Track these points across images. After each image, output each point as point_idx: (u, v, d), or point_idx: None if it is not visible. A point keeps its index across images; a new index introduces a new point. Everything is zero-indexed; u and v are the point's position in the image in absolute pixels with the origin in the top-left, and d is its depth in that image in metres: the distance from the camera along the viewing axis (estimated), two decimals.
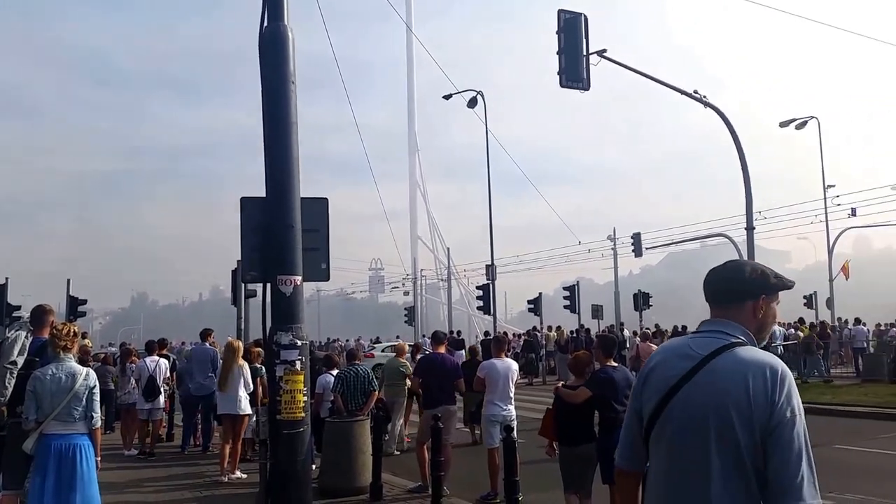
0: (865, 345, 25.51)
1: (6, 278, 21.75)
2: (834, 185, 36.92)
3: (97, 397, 6.35)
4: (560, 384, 7.70)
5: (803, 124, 34.70)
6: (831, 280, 35.17)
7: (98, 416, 6.36)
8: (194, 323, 18.85)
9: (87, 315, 25.49)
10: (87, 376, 6.26)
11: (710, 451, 2.20)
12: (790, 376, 2.24)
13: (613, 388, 6.88)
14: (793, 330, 27.24)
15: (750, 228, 20.16)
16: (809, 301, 35.07)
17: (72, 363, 6.27)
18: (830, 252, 36.00)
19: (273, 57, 6.28)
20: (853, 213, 37.36)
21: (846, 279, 36.77)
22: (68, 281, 22.88)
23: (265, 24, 6.31)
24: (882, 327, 30.61)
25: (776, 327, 23.15)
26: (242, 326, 14.04)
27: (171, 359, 14.93)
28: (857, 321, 27.79)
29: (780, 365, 2.24)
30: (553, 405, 7.38)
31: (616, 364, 7.35)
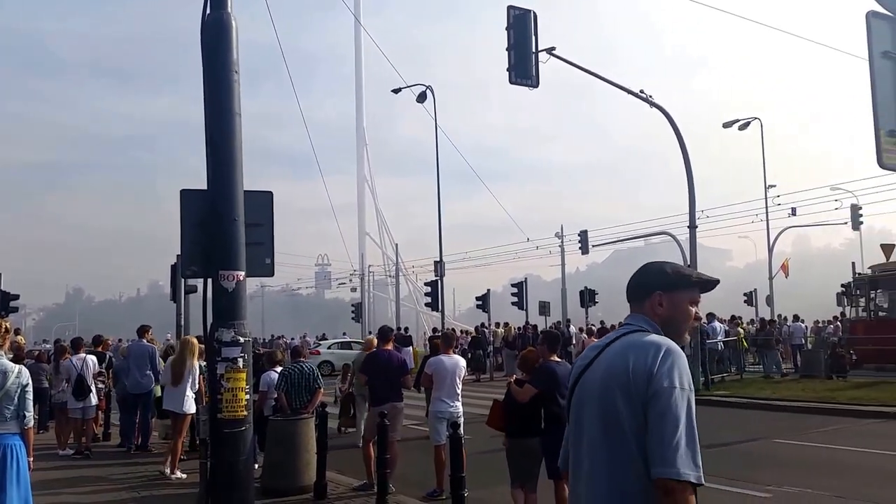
0: (803, 341, 26.28)
1: None
2: (775, 185, 37.92)
3: (30, 396, 6.13)
4: (513, 378, 7.73)
5: (746, 125, 35.55)
6: (771, 278, 36.13)
7: (31, 415, 6.14)
8: (132, 319, 18.38)
9: (19, 311, 24.68)
10: (19, 374, 6.04)
11: (597, 425, 2.35)
12: (677, 354, 2.30)
13: (556, 382, 6.93)
14: (732, 327, 27.96)
15: (692, 227, 20.60)
16: (750, 298, 35.96)
17: (3, 360, 6.04)
18: (770, 250, 36.97)
19: (216, 46, 6.13)
20: (793, 212, 38.41)
21: (785, 277, 37.81)
22: None
23: (208, 11, 6.16)
24: (820, 324, 31.58)
25: (716, 323, 23.72)
26: (182, 323, 13.75)
27: (107, 356, 14.56)
28: (796, 318, 28.64)
29: (668, 343, 2.33)
30: (505, 397, 7.43)
31: (560, 359, 7.42)
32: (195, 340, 11.14)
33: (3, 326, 6.22)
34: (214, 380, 6.61)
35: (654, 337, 2.39)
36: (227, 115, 6.15)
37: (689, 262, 20.80)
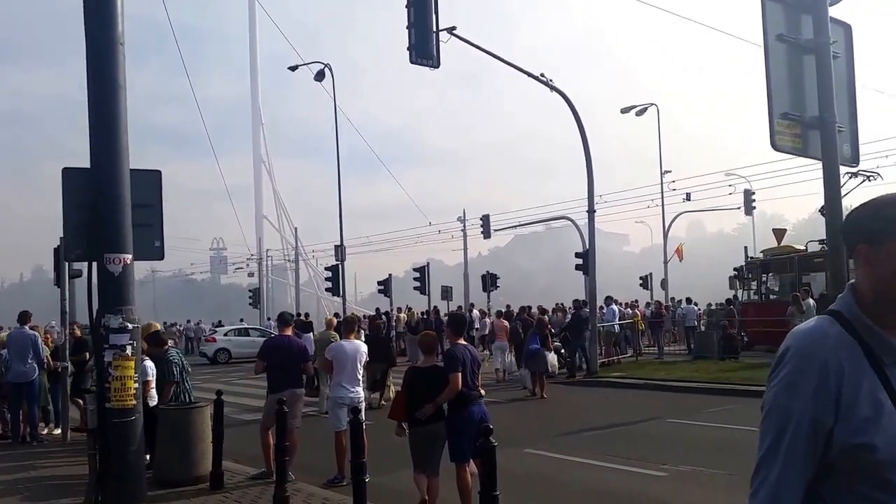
0: (696, 323, 27.50)
1: None
2: (670, 171, 39.29)
3: None
4: (414, 366, 7.76)
5: (643, 111, 36.71)
6: (666, 262, 37.54)
7: None
8: (16, 305, 17.42)
9: None
10: None
11: None
12: (798, 355, 1.71)
13: (463, 366, 7.03)
14: (629, 310, 29.01)
15: (591, 212, 21.19)
16: (645, 282, 37.31)
17: None
18: (666, 235, 38.37)
19: (99, 14, 5.87)
20: (687, 197, 39.96)
21: (680, 261, 39.33)
22: None
23: None
24: (712, 307, 33.06)
25: (613, 306, 24.56)
26: (67, 309, 13.13)
27: None
28: (689, 301, 29.92)
29: (794, 337, 1.76)
30: (403, 385, 7.45)
31: (465, 342, 7.52)
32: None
33: None
34: (102, 368, 6.38)
35: (806, 324, 1.80)
36: (111, 88, 5.92)
37: (587, 247, 21.41)
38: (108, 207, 5.90)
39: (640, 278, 37.56)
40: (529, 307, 26.15)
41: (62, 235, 6.58)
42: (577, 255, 22.27)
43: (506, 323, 21.28)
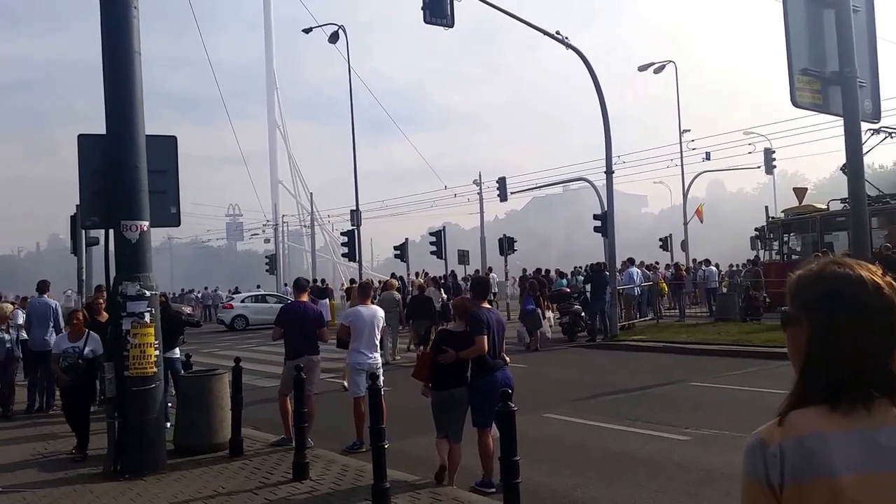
0: (717, 285, 27.37)
1: None
2: (689, 130, 38.92)
3: None
4: (445, 328, 7.76)
5: (661, 69, 36.25)
6: (686, 223, 37.32)
7: None
8: (34, 275, 17.63)
9: None
10: None
11: None
12: None
13: (488, 330, 7.02)
14: (650, 272, 28.90)
15: (609, 172, 21.02)
16: (665, 244, 37.13)
17: None
18: (685, 196, 38.11)
19: None
20: (707, 157, 39.61)
21: (701, 222, 39.08)
22: None
23: None
24: (734, 268, 32.89)
25: (633, 269, 24.46)
26: (84, 277, 13.27)
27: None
28: (708, 262, 29.75)
29: None
30: (431, 347, 7.45)
31: (490, 306, 7.51)
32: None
33: None
34: (120, 336, 6.44)
35: None
36: (126, 55, 5.90)
37: (605, 209, 21.29)
38: (123, 174, 5.92)
39: (660, 240, 37.40)
40: (548, 270, 26.19)
41: (78, 203, 6.59)
42: (596, 217, 22.12)
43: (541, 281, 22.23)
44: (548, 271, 26.76)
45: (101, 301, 10.87)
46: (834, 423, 1.54)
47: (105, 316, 10.72)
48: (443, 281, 29.87)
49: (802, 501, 1.52)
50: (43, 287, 12.94)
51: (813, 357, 1.61)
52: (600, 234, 21.56)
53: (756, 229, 27.74)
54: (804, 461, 1.52)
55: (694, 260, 33.94)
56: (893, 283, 1.61)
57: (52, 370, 12.32)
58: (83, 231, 12.98)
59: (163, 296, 9.33)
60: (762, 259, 26.78)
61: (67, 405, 9.23)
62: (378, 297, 17.72)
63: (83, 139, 6.15)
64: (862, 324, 1.56)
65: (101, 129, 5.90)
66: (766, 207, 29.00)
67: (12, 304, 14.59)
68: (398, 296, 18.87)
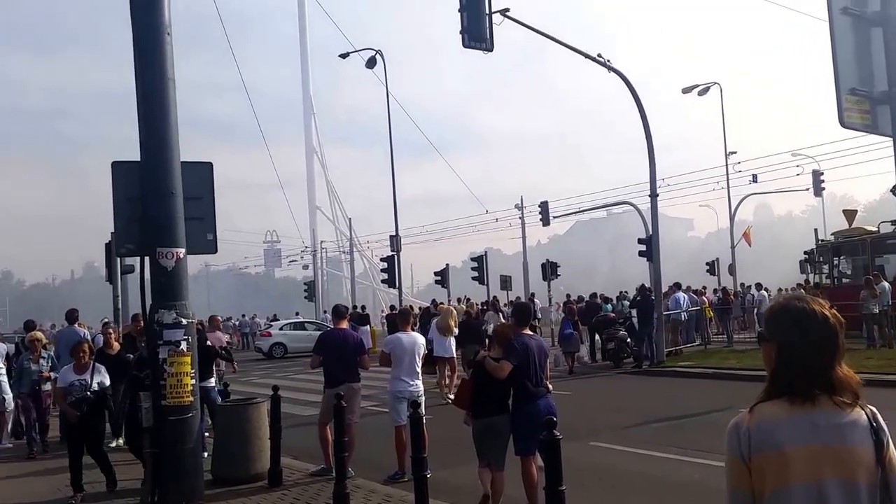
0: None
1: None
2: (735, 152, 38.40)
3: (4, 378, 6.07)
4: (485, 354, 7.65)
5: (706, 90, 35.89)
6: (733, 247, 36.70)
7: (9, 398, 6.11)
8: (67, 303, 17.92)
9: None
10: None
11: None
12: None
13: (529, 357, 6.90)
14: (696, 296, 28.39)
15: (653, 196, 20.77)
16: (712, 268, 36.53)
17: None
18: (732, 219, 37.52)
19: (146, 5, 5.88)
20: (754, 179, 38.99)
21: (748, 246, 38.43)
22: None
23: None
24: (783, 292, 32.23)
25: (680, 294, 24.04)
26: (119, 306, 13.38)
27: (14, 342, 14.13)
28: (759, 287, 29.17)
29: None
30: (471, 376, 7.36)
31: (532, 333, 7.38)
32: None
33: None
34: (156, 365, 6.44)
35: None
36: (159, 80, 5.93)
37: (650, 233, 21.01)
38: (158, 201, 5.93)
39: (707, 264, 36.82)
40: (592, 295, 25.93)
41: (113, 230, 6.62)
42: (640, 241, 21.82)
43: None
44: (592, 296, 26.42)
45: (112, 332, 10.90)
46: (788, 412, 2.24)
47: (116, 347, 10.76)
48: (485, 307, 29.73)
49: (762, 468, 2.21)
50: (72, 316, 12.95)
51: (778, 367, 2.32)
52: (645, 259, 21.28)
53: (805, 253, 27.22)
54: (764, 438, 2.22)
55: (742, 284, 33.32)
56: (837, 314, 2.32)
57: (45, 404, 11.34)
58: (118, 259, 13.12)
59: (199, 323, 9.36)
60: (812, 283, 26.17)
61: (74, 441, 8.69)
62: (434, 323, 18.19)
63: (117, 166, 6.20)
64: (812, 345, 2.27)
65: (136, 155, 5.94)
66: (816, 230, 28.46)
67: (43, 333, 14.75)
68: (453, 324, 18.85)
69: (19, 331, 14.86)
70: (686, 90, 35.76)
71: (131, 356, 9.68)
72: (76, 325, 12.86)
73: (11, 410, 12.29)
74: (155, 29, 5.90)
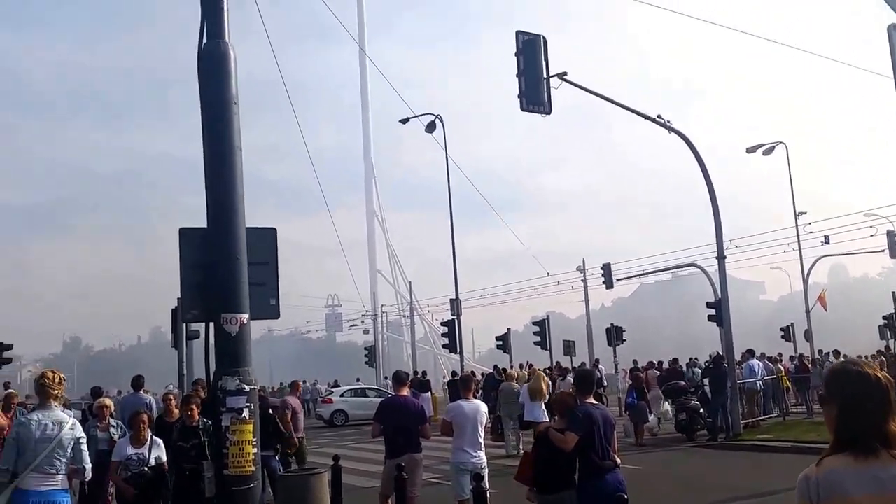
0: None
1: None
2: (805, 213, 37.60)
3: (85, 447, 6.26)
4: (548, 425, 7.45)
5: (771, 150, 35.39)
6: (808, 311, 35.61)
7: (89, 467, 6.26)
8: (133, 368, 18.31)
9: (13, 363, 24.70)
10: (73, 426, 6.31)
11: None
12: None
13: (594, 427, 6.66)
14: (772, 364, 27.46)
15: (721, 258, 20.34)
16: (787, 333, 35.43)
17: (58, 412, 6.13)
18: (805, 282, 36.51)
19: (214, 76, 6.07)
20: (826, 240, 38.00)
21: (825, 310, 37.26)
22: None
23: (204, 40, 6.11)
24: (863, 359, 30.95)
25: (754, 361, 23.26)
26: (185, 371, 13.58)
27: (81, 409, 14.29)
28: (837, 353, 28.09)
29: None
30: (533, 448, 7.16)
31: (596, 402, 7.16)
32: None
33: (58, 377, 6.33)
34: (219, 433, 6.43)
35: None
36: (227, 150, 6.07)
37: (719, 296, 20.51)
38: (224, 267, 6.01)
39: (781, 329, 35.77)
40: (660, 362, 25.36)
41: (179, 296, 6.73)
42: (709, 304, 21.30)
43: (657, 373, 22.96)
44: (660, 363, 25.82)
45: (172, 399, 10.74)
46: (851, 465, 2.56)
47: (175, 414, 10.17)
48: (549, 372, 29.28)
49: None
50: (138, 383, 13.05)
51: (839, 425, 2.66)
52: (715, 324, 20.74)
53: (884, 317, 26.21)
54: (832, 486, 2.58)
55: (820, 351, 32.14)
56: (888, 376, 2.68)
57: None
58: (184, 324, 13.32)
59: (261, 389, 9.37)
60: (893, 349, 25.11)
61: None
62: (498, 390, 18.84)
63: (184, 233, 6.32)
64: (867, 404, 2.59)
65: (202, 221, 6.06)
66: (893, 293, 27.44)
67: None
68: (518, 387, 18.81)
69: (86, 397, 15.15)
70: (751, 149, 35.34)
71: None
72: (141, 392, 12.98)
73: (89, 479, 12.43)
74: (222, 99, 6.07)
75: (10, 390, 14.20)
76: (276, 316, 6.78)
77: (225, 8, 6.20)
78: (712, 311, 20.98)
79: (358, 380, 45.91)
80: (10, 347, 20.17)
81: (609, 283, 40.68)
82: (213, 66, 6.07)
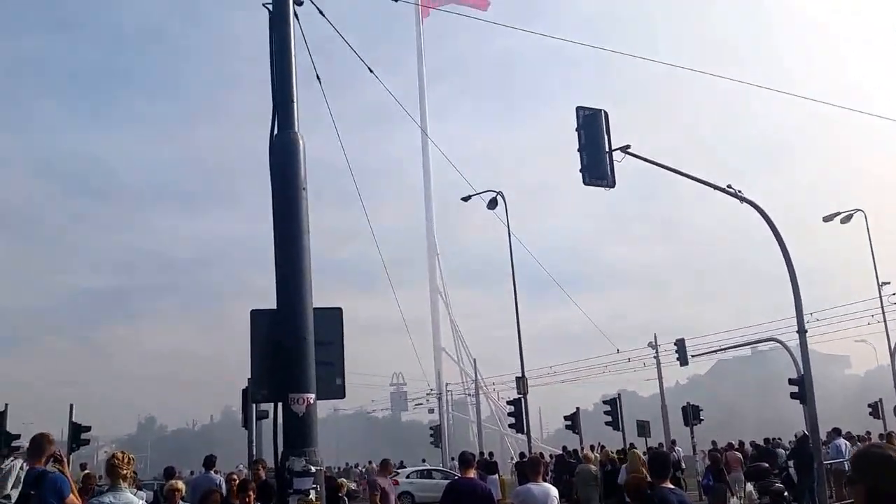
0: None
1: (5, 405, 21.87)
2: (889, 283, 36.55)
3: None
4: None
5: (849, 218, 34.69)
6: None
7: None
8: (205, 448, 18.65)
9: (91, 443, 25.34)
10: None
11: None
12: None
13: None
14: (860, 443, 26.32)
15: (802, 332, 19.80)
16: (875, 410, 34.01)
17: (129, 494, 6.35)
18: (893, 355, 35.14)
19: (284, 165, 6.47)
20: None
21: None
22: (71, 407, 22.94)
23: (275, 132, 6.54)
24: None
25: (840, 440, 22.39)
26: (254, 451, 13.79)
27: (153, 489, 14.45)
28: None
29: None
30: None
31: (673, 486, 7.04)
32: None
33: (128, 457, 6.55)
34: None
35: None
36: (295, 233, 6.40)
37: (801, 372, 19.93)
38: (292, 347, 6.26)
39: (869, 406, 34.30)
40: (741, 442, 24.64)
41: (250, 376, 6.99)
42: (791, 381, 20.70)
43: (738, 454, 22.51)
44: (741, 443, 25.06)
45: (236, 480, 10.85)
46: None
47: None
48: (622, 456, 28.61)
49: None
50: (209, 463, 13.34)
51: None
52: (798, 401, 20.10)
53: None
54: None
55: None
56: None
57: None
58: (253, 404, 13.61)
59: (327, 470, 9.48)
60: None
61: None
62: (575, 473, 18.56)
63: (255, 314, 6.62)
64: (893, 487, 2.73)
65: (271, 300, 6.35)
66: None
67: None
68: (596, 469, 18.49)
69: (159, 477, 15.47)
70: (827, 218, 34.70)
71: None
72: (212, 472, 13.23)
73: None
74: (292, 186, 6.45)
75: (87, 471, 14.62)
76: (342, 396, 6.96)
77: (295, 100, 6.65)
78: (795, 388, 20.39)
79: (424, 461, 45.53)
80: (88, 429, 20.83)
81: (683, 360, 39.89)
82: (283, 155, 6.49)
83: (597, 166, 15.86)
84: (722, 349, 43.05)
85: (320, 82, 7.95)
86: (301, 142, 6.59)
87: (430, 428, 51.77)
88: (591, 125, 15.91)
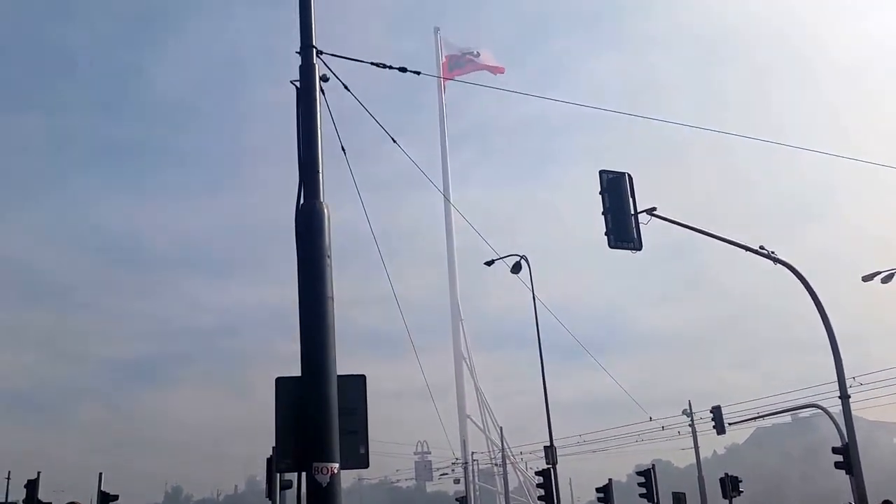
0: None
1: (38, 473, 22.25)
2: None
3: None
4: None
5: (890, 277, 34.39)
6: None
7: None
8: None
9: None
10: None
11: None
12: None
13: None
14: None
15: (844, 397, 19.57)
16: None
17: None
18: None
19: (309, 234, 6.75)
20: None
21: None
22: (100, 475, 23.30)
23: (301, 201, 6.84)
24: None
25: None
26: None
27: None
28: None
29: None
30: None
31: None
32: None
33: None
34: None
35: None
36: (320, 300, 6.64)
37: (846, 440, 19.64)
38: (315, 416, 6.42)
39: None
40: None
41: (274, 445, 7.13)
42: (835, 450, 20.40)
43: None
44: None
45: None
46: None
47: None
48: None
49: None
50: None
51: None
52: (843, 472, 19.76)
53: None
54: None
55: None
56: None
57: None
58: (278, 474, 13.68)
59: None
60: None
61: None
62: None
63: (280, 382, 6.81)
64: None
65: (295, 367, 6.53)
66: None
67: None
68: None
69: None
70: (867, 277, 34.39)
71: None
72: None
73: None
74: (317, 254, 6.71)
75: None
76: (366, 465, 7.07)
77: (320, 171, 6.97)
78: (839, 458, 20.08)
79: None
80: (115, 498, 21.04)
81: (720, 428, 39.28)
82: (309, 224, 6.78)
83: (623, 229, 16.03)
84: (760, 416, 42.31)
85: (345, 153, 8.28)
86: (326, 211, 6.88)
87: (456, 499, 51.10)
88: (615, 188, 16.14)
